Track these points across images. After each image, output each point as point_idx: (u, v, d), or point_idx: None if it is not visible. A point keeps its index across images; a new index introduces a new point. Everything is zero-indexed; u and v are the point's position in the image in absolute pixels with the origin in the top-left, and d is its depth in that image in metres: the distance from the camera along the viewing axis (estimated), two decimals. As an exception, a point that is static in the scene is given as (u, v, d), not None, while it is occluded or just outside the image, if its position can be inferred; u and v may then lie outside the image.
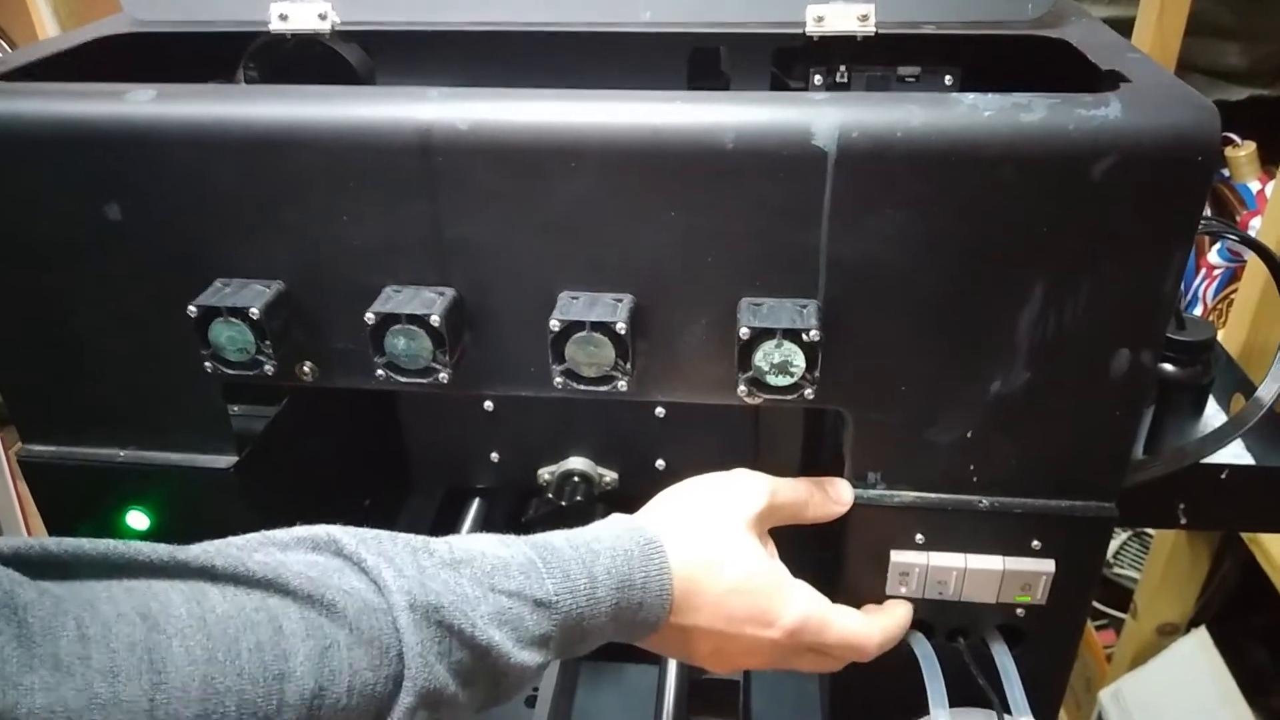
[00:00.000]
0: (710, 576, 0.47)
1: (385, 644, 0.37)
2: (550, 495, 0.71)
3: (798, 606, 0.48)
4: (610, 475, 0.71)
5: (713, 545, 0.48)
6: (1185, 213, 0.42)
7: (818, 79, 0.57)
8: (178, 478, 0.56)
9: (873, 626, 0.51)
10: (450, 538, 0.43)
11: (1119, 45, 0.51)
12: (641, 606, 0.45)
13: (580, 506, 0.70)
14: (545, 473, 0.72)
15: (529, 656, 0.41)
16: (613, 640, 0.46)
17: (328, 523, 0.41)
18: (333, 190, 0.46)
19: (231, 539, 0.39)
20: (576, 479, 0.71)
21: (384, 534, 0.41)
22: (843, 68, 0.56)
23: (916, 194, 0.43)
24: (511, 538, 0.44)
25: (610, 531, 0.46)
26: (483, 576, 0.41)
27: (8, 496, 1.57)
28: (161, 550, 0.34)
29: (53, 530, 0.60)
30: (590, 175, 0.44)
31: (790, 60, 0.58)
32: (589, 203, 0.45)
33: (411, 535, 0.42)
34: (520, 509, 0.75)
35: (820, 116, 0.42)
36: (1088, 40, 0.52)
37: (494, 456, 0.73)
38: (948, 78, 0.57)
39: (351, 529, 0.41)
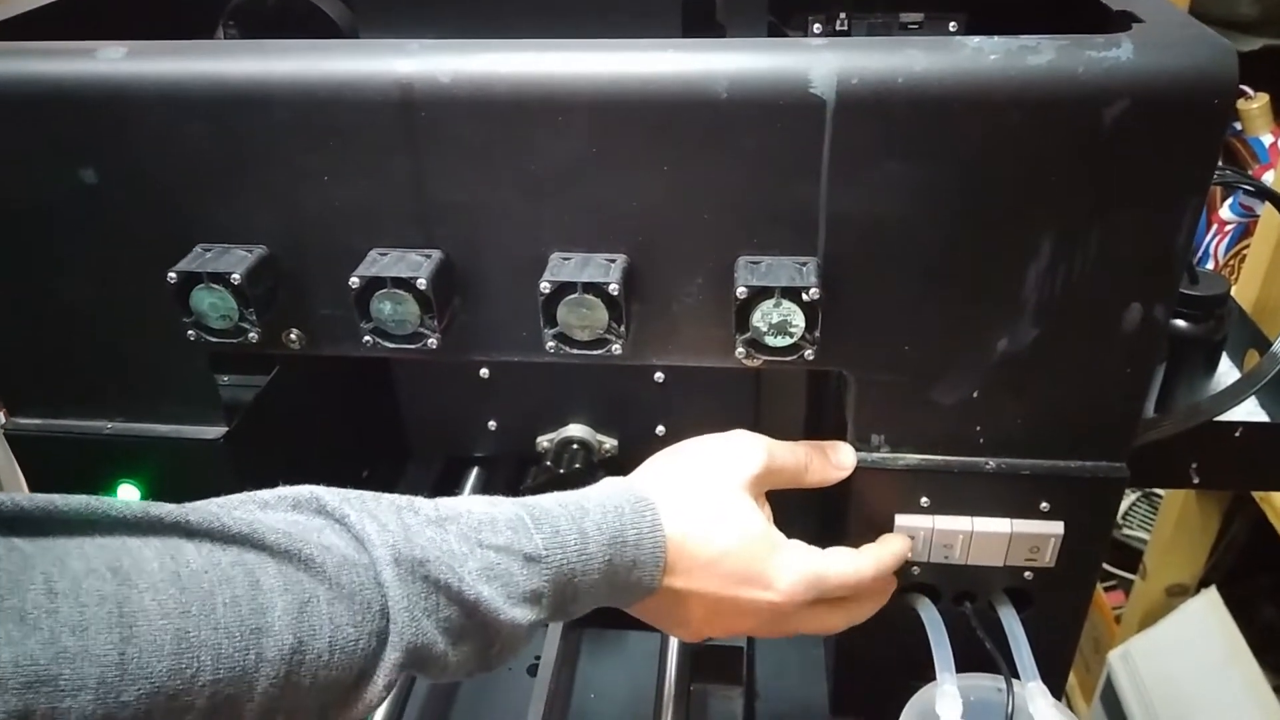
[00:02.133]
0: (705, 538, 0.46)
1: (367, 599, 0.37)
2: (549, 463, 0.70)
3: (794, 566, 0.47)
4: (610, 442, 0.70)
5: (707, 507, 0.47)
6: (1200, 159, 0.41)
7: (817, 28, 0.55)
8: (167, 449, 0.55)
9: (864, 558, 0.50)
10: (437, 498, 0.42)
11: (1131, -15, 0.49)
12: (635, 565, 0.44)
13: (579, 474, 0.69)
14: (544, 440, 0.71)
15: (520, 613, 0.40)
16: (607, 604, 0.45)
17: None
18: (313, 149, 0.44)
19: (213, 499, 0.38)
20: (575, 446, 0.70)
21: (367, 493, 0.40)
22: (843, 15, 0.54)
23: (919, 143, 0.41)
24: (499, 497, 0.44)
25: (601, 491, 0.45)
26: (469, 532, 0.40)
27: (12, 471, 1.57)
28: (136, 506, 0.34)
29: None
30: (579, 129, 0.43)
31: (788, 8, 0.56)
32: (578, 158, 0.43)
33: (396, 495, 0.41)
34: (519, 477, 0.75)
35: (818, 63, 0.40)
36: (1098, -19, 0.50)
37: (491, 425, 0.72)
38: (952, 24, 0.54)
39: (335, 489, 0.40)
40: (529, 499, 0.44)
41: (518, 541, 0.41)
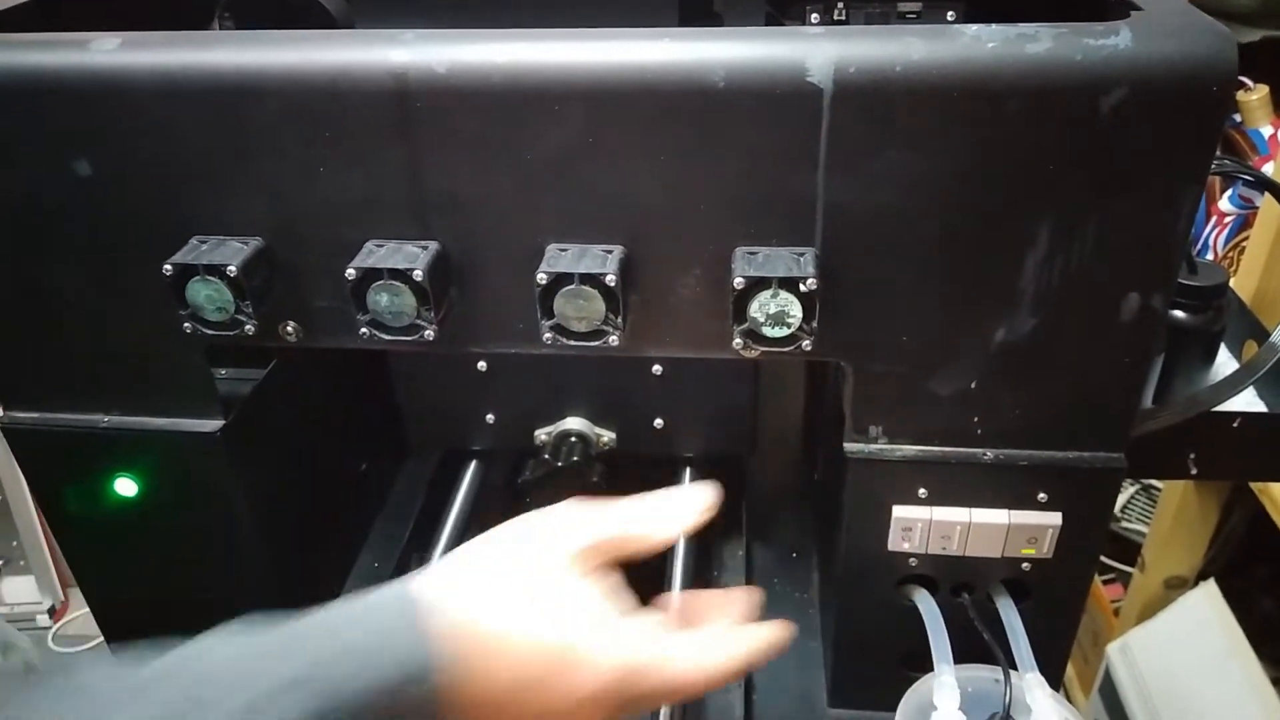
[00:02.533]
0: (495, 636, 0.39)
1: None
2: (547, 456, 0.70)
3: (610, 658, 0.40)
4: (608, 435, 0.70)
5: (500, 600, 0.40)
6: (1199, 147, 0.41)
7: (814, 17, 0.55)
8: (164, 443, 0.55)
9: (699, 667, 0.42)
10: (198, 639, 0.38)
11: (1129, -26, 0.49)
12: (403, 669, 0.37)
13: (577, 467, 0.69)
14: (542, 433, 0.71)
15: None
16: None
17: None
18: (308, 140, 0.44)
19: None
20: (574, 439, 0.70)
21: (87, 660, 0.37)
22: (840, 5, 0.54)
23: (917, 132, 0.41)
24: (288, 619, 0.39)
25: (376, 597, 0.40)
26: (220, 670, 0.36)
27: (10, 466, 1.57)
28: None
29: (40, 497, 0.60)
30: (575, 119, 0.42)
31: (785, -2, 0.56)
32: (575, 148, 0.43)
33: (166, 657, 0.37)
34: (518, 470, 0.74)
35: (815, 51, 0.40)
36: (1096, -31, 0.50)
37: (489, 418, 0.71)
38: (950, 12, 0.54)
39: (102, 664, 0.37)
40: (304, 620, 0.39)
41: (277, 669, 0.36)
